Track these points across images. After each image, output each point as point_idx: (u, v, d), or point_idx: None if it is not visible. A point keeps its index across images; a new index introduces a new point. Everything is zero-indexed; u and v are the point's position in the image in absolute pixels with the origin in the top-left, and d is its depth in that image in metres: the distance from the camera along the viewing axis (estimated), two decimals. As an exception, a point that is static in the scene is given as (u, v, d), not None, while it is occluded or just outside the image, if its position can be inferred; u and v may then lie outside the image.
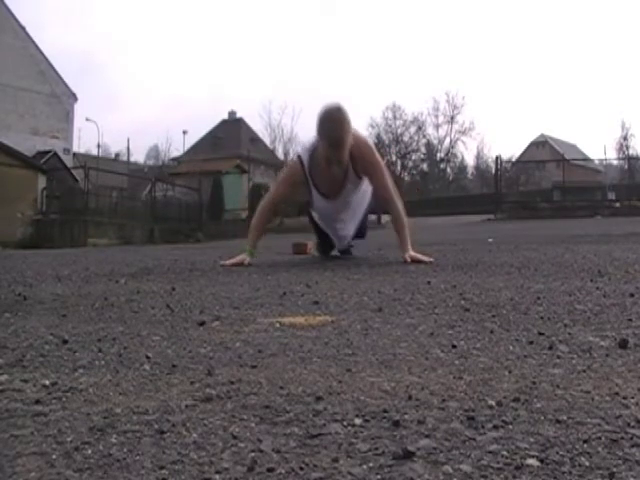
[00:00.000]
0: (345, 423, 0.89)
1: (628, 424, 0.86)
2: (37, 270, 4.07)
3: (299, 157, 3.97)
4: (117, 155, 52.05)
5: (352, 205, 4.10)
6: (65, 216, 16.28)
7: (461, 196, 42.92)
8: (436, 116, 54.10)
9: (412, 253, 3.60)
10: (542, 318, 1.68)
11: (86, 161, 22.42)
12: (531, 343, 1.38)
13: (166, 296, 2.41)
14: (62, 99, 24.99)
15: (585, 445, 0.79)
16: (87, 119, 40.22)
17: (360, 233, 4.32)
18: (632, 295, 2.02)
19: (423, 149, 54.38)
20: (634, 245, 4.66)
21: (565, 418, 0.89)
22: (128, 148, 47.00)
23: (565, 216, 16.51)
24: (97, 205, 18.12)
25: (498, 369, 1.17)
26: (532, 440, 0.81)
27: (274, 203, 4.13)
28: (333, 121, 3.60)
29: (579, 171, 35.77)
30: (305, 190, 4.08)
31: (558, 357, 1.25)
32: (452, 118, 53.43)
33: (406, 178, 52.76)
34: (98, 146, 44.38)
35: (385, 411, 0.94)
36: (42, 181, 16.79)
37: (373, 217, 18.13)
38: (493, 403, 0.96)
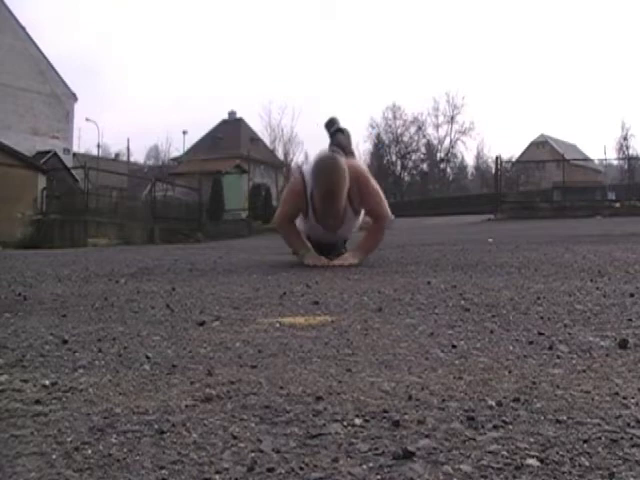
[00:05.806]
0: (345, 423, 0.89)
1: (628, 424, 0.86)
2: (37, 270, 4.07)
3: (301, 173, 3.63)
4: (117, 155, 51.97)
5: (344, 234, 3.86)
6: (65, 216, 16.24)
7: (461, 196, 42.86)
8: (436, 116, 54.10)
9: (351, 261, 3.48)
10: (542, 318, 1.68)
11: (86, 161, 22.40)
12: (531, 343, 1.38)
13: (166, 296, 2.41)
14: (62, 99, 24.98)
15: (585, 445, 0.79)
16: (87, 119, 40.16)
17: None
18: (632, 295, 2.02)
19: (423, 149, 54.39)
20: (634, 245, 4.66)
21: (565, 418, 0.89)
22: (128, 148, 46.97)
23: (565, 216, 16.48)
24: (97, 205, 18.08)
25: (498, 369, 1.17)
26: (532, 440, 0.81)
27: (286, 221, 3.74)
28: (327, 172, 3.32)
29: (579, 171, 35.72)
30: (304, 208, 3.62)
31: (558, 357, 1.25)
32: (452, 118, 53.42)
33: (406, 178, 52.82)
34: (98, 146, 44.32)
35: (385, 411, 0.94)
36: (42, 181, 16.76)
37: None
38: (493, 403, 0.96)
